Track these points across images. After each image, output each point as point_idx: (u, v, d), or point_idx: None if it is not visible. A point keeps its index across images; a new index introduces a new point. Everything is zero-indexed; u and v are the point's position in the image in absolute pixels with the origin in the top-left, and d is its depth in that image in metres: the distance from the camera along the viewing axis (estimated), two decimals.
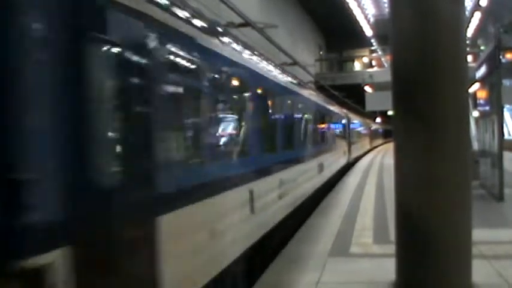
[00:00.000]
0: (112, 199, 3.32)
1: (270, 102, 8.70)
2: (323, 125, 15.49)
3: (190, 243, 4.50)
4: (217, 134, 5.64)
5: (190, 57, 4.94)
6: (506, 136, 21.67)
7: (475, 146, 14.95)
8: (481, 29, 36.90)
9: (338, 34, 45.30)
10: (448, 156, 4.66)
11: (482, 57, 14.21)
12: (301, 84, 12.93)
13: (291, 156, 9.92)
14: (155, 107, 3.94)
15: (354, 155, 27.32)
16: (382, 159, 30.75)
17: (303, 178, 10.94)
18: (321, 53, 48.40)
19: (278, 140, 8.92)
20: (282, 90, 9.64)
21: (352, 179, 18.93)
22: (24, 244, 2.57)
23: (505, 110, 18.01)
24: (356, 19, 36.64)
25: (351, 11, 34.46)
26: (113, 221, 3.30)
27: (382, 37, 43.07)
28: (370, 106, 21.79)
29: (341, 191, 15.13)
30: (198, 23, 5.35)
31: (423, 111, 4.67)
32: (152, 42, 3.95)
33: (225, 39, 6.47)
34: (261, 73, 7.92)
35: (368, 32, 40.69)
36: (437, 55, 4.65)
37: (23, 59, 2.67)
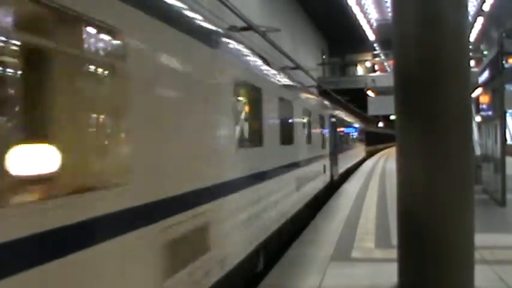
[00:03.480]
0: None
1: None
2: None
3: None
4: None
5: None
6: (508, 141, 21.60)
7: (478, 150, 14.93)
8: (484, 34, 36.91)
9: (341, 38, 45.38)
10: (451, 160, 4.66)
11: (485, 62, 14.20)
12: None
13: None
14: None
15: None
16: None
17: None
18: (324, 57, 48.45)
19: None
20: None
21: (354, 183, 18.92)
22: None
23: (507, 115, 17.94)
24: (359, 24, 36.71)
25: (354, 15, 34.54)
26: None
27: (385, 42, 43.14)
28: (372, 110, 21.84)
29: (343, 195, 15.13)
30: None
31: (426, 115, 4.67)
32: None
33: None
34: None
35: (371, 36, 40.77)
36: (440, 60, 4.65)
37: None
